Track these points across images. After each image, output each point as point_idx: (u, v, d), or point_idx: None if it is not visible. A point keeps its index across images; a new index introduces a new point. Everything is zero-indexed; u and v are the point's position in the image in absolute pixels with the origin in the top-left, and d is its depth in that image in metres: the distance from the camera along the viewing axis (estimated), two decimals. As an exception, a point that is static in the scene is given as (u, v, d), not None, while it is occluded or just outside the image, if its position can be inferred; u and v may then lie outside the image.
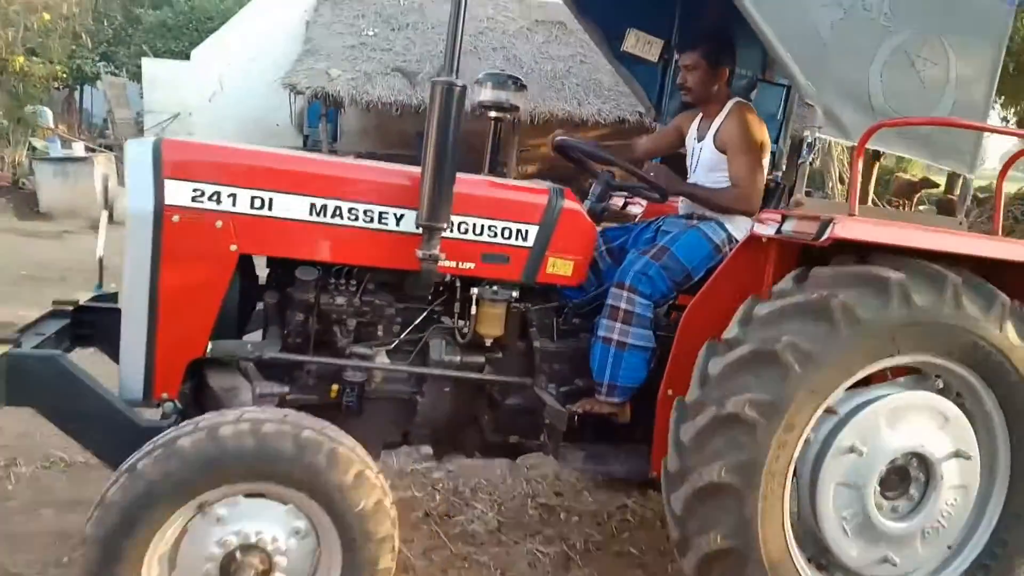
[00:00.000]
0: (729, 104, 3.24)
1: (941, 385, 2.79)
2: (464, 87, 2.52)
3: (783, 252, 2.77)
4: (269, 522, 2.21)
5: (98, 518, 2.08)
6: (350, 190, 2.66)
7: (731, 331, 2.63)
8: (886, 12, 2.78)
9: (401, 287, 2.84)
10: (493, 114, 3.29)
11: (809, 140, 2.78)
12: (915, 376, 2.82)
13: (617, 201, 3.77)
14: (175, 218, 2.45)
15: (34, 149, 12.74)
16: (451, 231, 2.73)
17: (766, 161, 3.23)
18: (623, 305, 2.93)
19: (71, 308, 2.86)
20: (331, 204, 2.63)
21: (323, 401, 2.77)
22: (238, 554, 2.17)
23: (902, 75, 2.84)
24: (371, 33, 16.35)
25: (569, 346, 3.08)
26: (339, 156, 14.39)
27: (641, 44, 3.70)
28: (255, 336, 2.85)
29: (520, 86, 3.25)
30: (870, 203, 14.39)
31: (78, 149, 12.24)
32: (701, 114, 3.36)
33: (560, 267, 2.92)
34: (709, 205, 3.18)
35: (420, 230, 2.60)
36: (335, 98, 14.77)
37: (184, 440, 2.11)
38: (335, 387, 2.76)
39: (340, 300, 2.75)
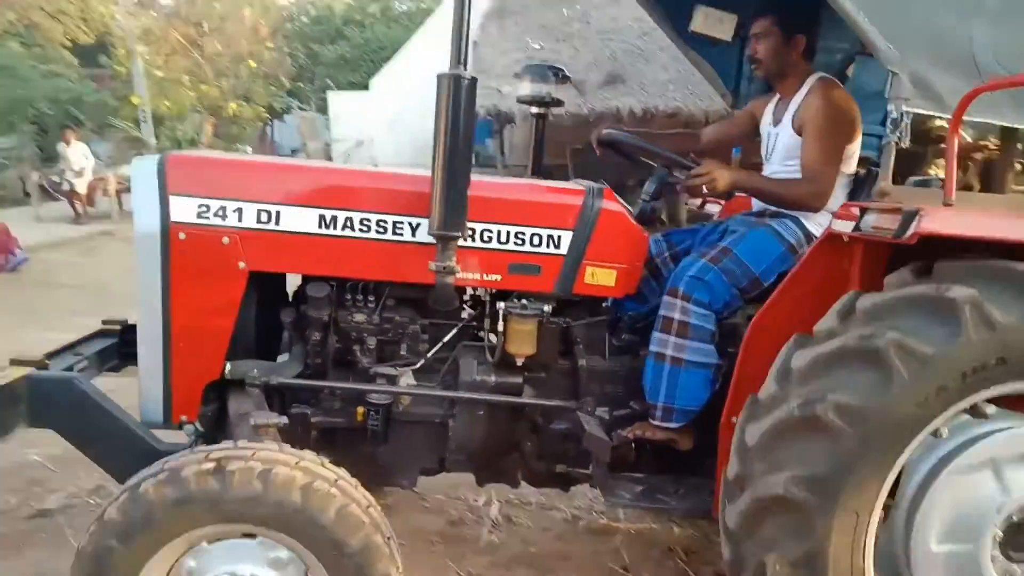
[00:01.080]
0: (810, 80, 2.78)
1: None
2: (474, 79, 2.28)
3: (870, 252, 2.30)
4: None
5: (93, 534, 2.02)
6: (361, 199, 2.50)
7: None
8: None
9: (425, 302, 2.64)
10: (535, 110, 3.02)
11: (894, 116, 2.29)
12: None
13: (695, 201, 3.37)
14: (181, 235, 2.40)
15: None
16: (473, 240, 2.52)
17: (854, 148, 2.74)
18: (677, 316, 2.57)
19: (119, 328, 2.92)
20: (341, 215, 2.48)
21: (350, 424, 2.63)
22: None
23: (1019, 23, 2.29)
24: (537, 47, 16.40)
25: (622, 365, 2.75)
26: (508, 170, 14.66)
27: (711, 21, 3.28)
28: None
29: (563, 77, 2.95)
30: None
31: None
32: (778, 96, 2.92)
33: (600, 277, 2.60)
34: (767, 197, 2.74)
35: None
36: (507, 114, 14.89)
37: (148, 483, 1.98)
38: (360, 410, 2.61)
39: (359, 317, 2.59)
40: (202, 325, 2.47)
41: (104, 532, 1.98)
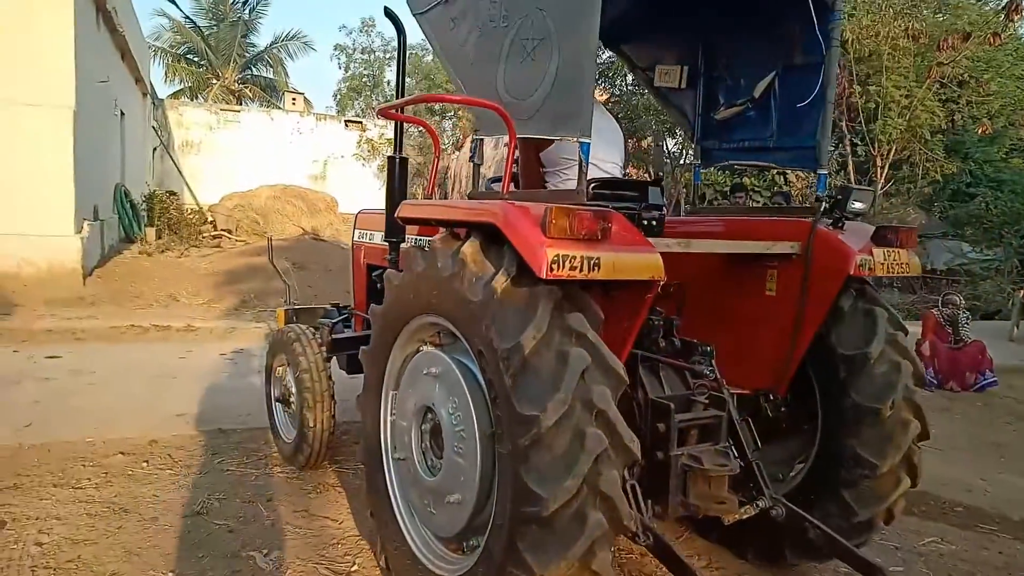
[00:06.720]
0: None
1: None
2: (405, 159, 4.38)
3: None
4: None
5: None
6: (380, 226, 4.68)
7: None
8: (504, 14, 3.13)
9: None
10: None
11: (474, 139, 3.38)
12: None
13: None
14: (353, 246, 5.21)
15: None
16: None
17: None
18: None
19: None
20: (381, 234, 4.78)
21: None
22: None
23: (518, 61, 3.04)
24: None
25: None
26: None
27: (665, 76, 3.93)
28: None
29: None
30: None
31: None
32: None
33: None
34: None
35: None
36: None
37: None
38: None
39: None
40: (358, 281, 5.19)
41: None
